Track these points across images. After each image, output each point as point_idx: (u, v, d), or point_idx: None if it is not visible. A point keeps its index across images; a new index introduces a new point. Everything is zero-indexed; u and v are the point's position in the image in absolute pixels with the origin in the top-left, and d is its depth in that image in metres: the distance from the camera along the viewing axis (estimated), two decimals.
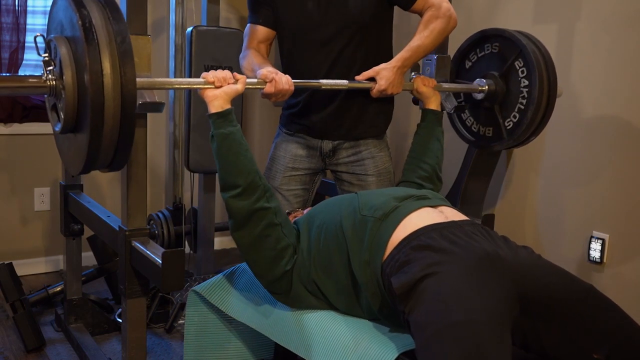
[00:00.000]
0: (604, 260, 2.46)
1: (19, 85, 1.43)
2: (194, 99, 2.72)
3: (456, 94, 2.08)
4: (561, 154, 2.58)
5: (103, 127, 1.31)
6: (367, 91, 1.92)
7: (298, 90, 1.94)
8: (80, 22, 1.29)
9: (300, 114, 1.98)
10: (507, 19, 2.83)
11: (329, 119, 1.95)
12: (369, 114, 1.97)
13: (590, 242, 2.49)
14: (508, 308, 1.23)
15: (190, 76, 2.71)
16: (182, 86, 1.54)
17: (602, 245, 2.45)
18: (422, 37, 1.84)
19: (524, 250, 1.38)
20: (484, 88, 1.93)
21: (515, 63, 1.87)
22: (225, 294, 1.65)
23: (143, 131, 1.81)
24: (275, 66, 1.82)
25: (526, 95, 1.86)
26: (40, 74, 1.40)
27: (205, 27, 2.74)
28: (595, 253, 2.47)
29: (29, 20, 3.02)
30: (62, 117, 1.38)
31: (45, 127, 3.10)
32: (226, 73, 1.54)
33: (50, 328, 2.58)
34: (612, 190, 2.44)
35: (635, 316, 1.33)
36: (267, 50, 2.01)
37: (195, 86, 1.53)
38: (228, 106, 1.51)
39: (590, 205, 2.52)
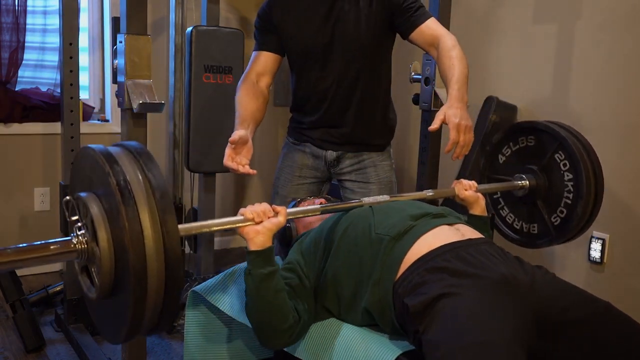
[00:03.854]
0: (604, 260, 2.46)
1: (42, 255, 1.20)
2: (194, 99, 2.72)
3: (494, 192, 2.01)
4: None
5: (146, 294, 1.14)
6: (372, 116, 1.97)
7: (308, 112, 1.99)
8: (114, 180, 1.14)
9: (308, 129, 2.03)
10: (507, 18, 2.83)
11: (334, 137, 1.99)
12: (374, 133, 2.01)
13: (590, 242, 2.49)
14: (525, 332, 1.21)
15: (190, 76, 2.71)
16: (220, 227, 1.43)
17: (602, 245, 2.45)
18: (455, 65, 1.72)
19: (538, 271, 1.36)
20: (525, 184, 1.84)
21: (556, 156, 1.80)
22: (225, 294, 1.64)
23: (143, 131, 1.81)
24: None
25: (572, 190, 1.77)
26: (69, 237, 1.21)
27: (205, 27, 2.75)
28: (595, 253, 2.47)
29: (29, 20, 3.03)
30: (97, 283, 1.20)
31: (45, 127, 3.10)
32: (264, 206, 1.42)
33: (50, 328, 2.58)
34: (612, 190, 2.44)
35: (636, 316, 1.32)
36: (267, 83, 1.95)
37: (234, 225, 1.41)
38: (269, 244, 1.40)
39: None
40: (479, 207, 1.72)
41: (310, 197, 1.86)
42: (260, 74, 1.94)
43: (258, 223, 1.39)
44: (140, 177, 1.16)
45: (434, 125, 1.63)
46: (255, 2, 3.53)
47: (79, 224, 1.19)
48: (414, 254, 1.35)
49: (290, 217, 1.47)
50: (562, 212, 1.82)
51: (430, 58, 2.21)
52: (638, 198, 2.35)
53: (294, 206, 1.80)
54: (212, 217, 2.91)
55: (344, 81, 1.91)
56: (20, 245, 1.16)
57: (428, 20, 1.82)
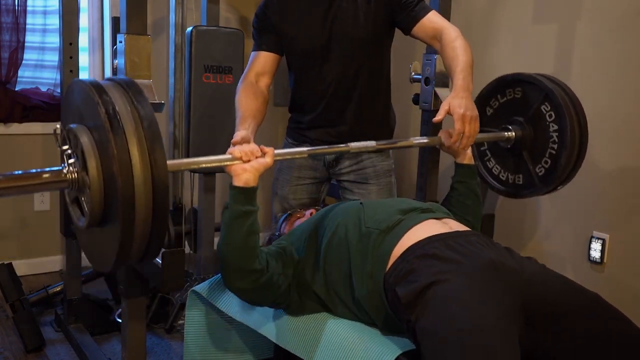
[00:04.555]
0: (604, 260, 2.46)
1: (34, 182, 1.23)
2: (194, 99, 2.72)
3: (480, 142, 2.03)
4: None
5: (134, 221, 1.17)
6: (371, 115, 1.97)
7: (307, 111, 1.99)
8: (103, 109, 1.17)
9: (307, 129, 2.02)
10: (507, 18, 2.83)
11: (333, 137, 1.98)
12: (373, 132, 1.99)
13: (590, 242, 2.49)
14: (516, 315, 1.23)
15: (190, 76, 2.71)
16: (209, 165, 1.46)
17: (602, 245, 2.45)
18: (459, 55, 1.71)
19: (527, 261, 1.37)
20: (511, 135, 1.86)
21: (542, 107, 1.82)
22: (225, 294, 1.65)
23: None
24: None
25: (557, 140, 1.79)
26: (59, 167, 1.24)
27: (205, 27, 2.74)
28: (595, 253, 2.47)
29: (29, 20, 3.02)
30: (87, 211, 1.24)
31: (45, 127, 3.10)
32: (253, 146, 1.46)
33: (50, 328, 2.58)
34: (612, 190, 2.44)
35: (635, 316, 1.33)
36: (267, 83, 1.94)
37: (222, 163, 1.44)
38: (254, 184, 1.43)
39: (590, 205, 2.52)
40: (466, 156, 1.74)
41: (301, 209, 1.87)
42: (259, 74, 1.93)
43: (246, 162, 1.42)
44: (129, 108, 1.19)
45: (439, 116, 1.63)
46: (255, 2, 3.52)
47: (69, 152, 1.23)
48: (403, 246, 1.37)
49: (278, 158, 1.50)
50: (546, 162, 1.84)
51: (430, 58, 2.21)
52: (638, 198, 2.35)
53: (285, 219, 1.82)
54: (213, 218, 2.93)
55: (343, 79, 1.91)
56: (13, 172, 1.21)
57: (429, 13, 1.83)
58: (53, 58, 3.15)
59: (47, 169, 1.23)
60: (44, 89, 3.16)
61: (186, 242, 3.02)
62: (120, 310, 2.34)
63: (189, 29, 2.70)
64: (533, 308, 1.26)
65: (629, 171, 2.38)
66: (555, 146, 1.80)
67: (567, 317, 1.28)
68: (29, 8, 3.01)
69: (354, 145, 1.60)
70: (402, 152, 3.44)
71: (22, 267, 3.00)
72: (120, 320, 2.47)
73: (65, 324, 2.51)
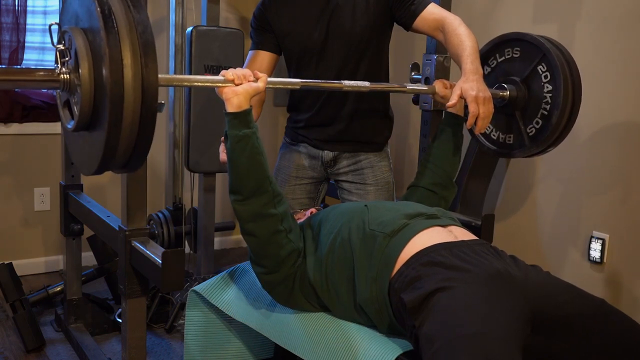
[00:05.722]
0: (604, 260, 2.46)
1: (27, 78, 1.29)
2: (194, 99, 2.72)
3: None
4: (561, 154, 2.58)
5: (122, 122, 1.19)
6: (369, 113, 1.96)
7: (305, 109, 1.98)
8: (99, 9, 1.18)
9: (304, 128, 2.02)
10: (507, 19, 2.83)
11: (330, 135, 1.98)
12: (370, 132, 2.00)
13: (590, 242, 2.49)
14: (521, 325, 1.22)
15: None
16: (201, 84, 1.47)
17: (602, 245, 2.45)
18: (464, 41, 1.73)
19: (532, 269, 1.37)
20: (505, 94, 1.87)
21: (538, 67, 1.82)
22: (225, 294, 1.65)
23: None
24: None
25: (550, 101, 1.80)
26: (53, 67, 1.29)
27: (205, 27, 2.74)
28: (595, 253, 2.47)
29: (29, 20, 3.02)
30: (77, 112, 1.26)
31: (45, 127, 3.10)
32: (246, 71, 1.47)
33: (50, 328, 2.58)
34: (612, 190, 2.44)
35: (636, 316, 1.33)
36: None
37: (214, 84, 1.45)
38: (246, 106, 1.44)
39: (590, 205, 2.52)
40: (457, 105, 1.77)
41: (301, 209, 1.87)
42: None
43: (238, 85, 1.43)
44: (124, 11, 1.21)
45: (452, 101, 1.65)
46: (255, 2, 3.52)
47: (62, 48, 1.27)
48: (409, 252, 1.36)
49: (270, 86, 1.52)
50: (537, 122, 1.85)
51: (430, 58, 2.22)
52: (638, 198, 2.36)
53: None
54: (213, 218, 2.93)
55: (340, 77, 1.91)
56: (9, 66, 1.24)
57: (428, 5, 1.83)
58: (53, 58, 3.14)
59: (41, 67, 1.27)
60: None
61: (186, 242, 3.02)
62: (120, 310, 2.34)
63: (189, 29, 2.70)
64: (540, 317, 1.26)
65: (630, 171, 2.38)
66: (548, 107, 1.81)
67: (575, 325, 1.28)
68: (29, 8, 3.01)
69: (347, 83, 1.64)
70: (402, 153, 3.44)
71: (22, 267, 3.00)
72: (120, 320, 2.47)
73: (65, 324, 2.52)
